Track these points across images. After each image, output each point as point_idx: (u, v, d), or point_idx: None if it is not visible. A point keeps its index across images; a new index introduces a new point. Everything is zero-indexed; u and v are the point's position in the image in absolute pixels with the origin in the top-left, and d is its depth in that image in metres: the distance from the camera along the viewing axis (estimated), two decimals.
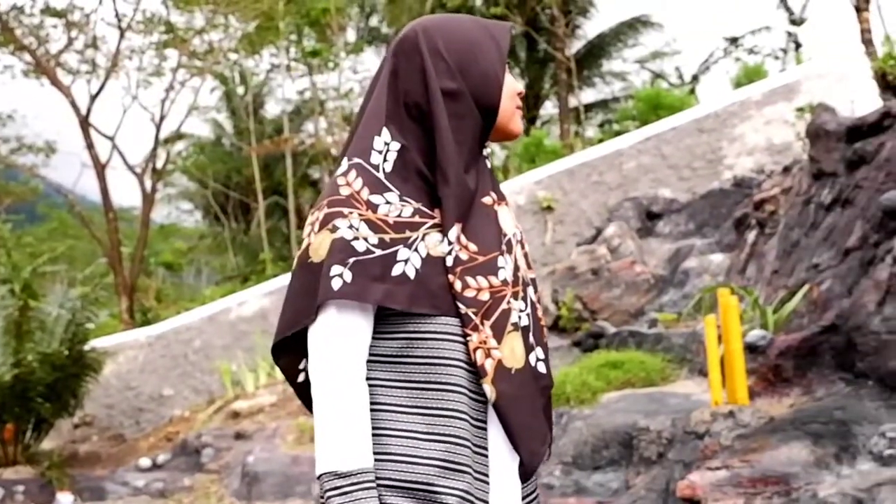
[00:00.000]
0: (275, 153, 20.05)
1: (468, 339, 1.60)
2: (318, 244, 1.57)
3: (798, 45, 20.89)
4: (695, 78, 23.22)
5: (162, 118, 16.39)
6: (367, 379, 1.58)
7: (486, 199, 1.68)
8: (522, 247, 1.75)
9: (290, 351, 1.69)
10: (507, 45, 1.71)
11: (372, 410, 1.58)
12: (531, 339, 1.69)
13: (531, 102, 22.98)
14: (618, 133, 12.32)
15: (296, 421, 7.93)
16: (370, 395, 1.58)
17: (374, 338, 1.60)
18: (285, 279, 11.12)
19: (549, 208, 8.35)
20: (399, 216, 1.59)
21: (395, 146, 1.63)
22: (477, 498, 1.59)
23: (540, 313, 1.77)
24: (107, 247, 15.37)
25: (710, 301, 6.26)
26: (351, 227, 1.56)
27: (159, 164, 17.29)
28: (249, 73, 21.40)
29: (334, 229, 1.56)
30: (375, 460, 1.56)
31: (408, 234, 1.59)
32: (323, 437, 1.54)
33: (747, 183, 8.42)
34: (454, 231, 1.60)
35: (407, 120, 1.65)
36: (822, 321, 5.14)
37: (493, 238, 1.66)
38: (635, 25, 22.20)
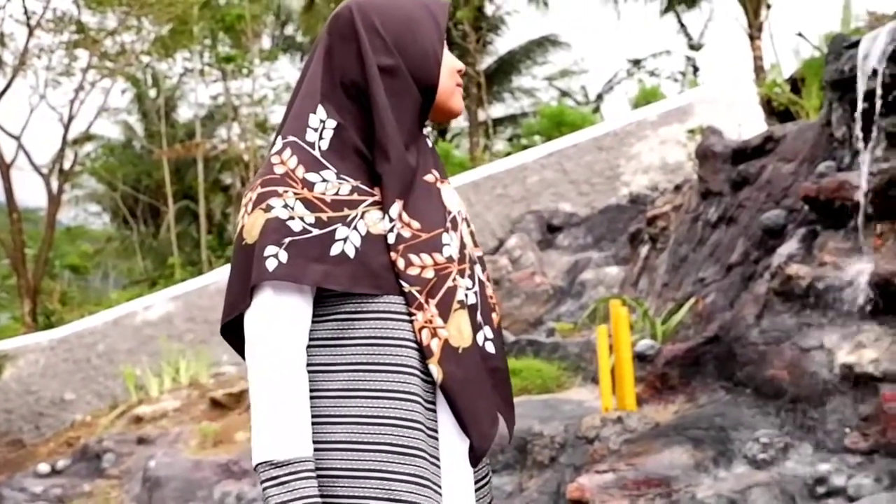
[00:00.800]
0: (186, 157, 19.72)
1: (413, 318, 1.51)
2: (251, 225, 1.48)
3: (696, 69, 21.59)
4: (599, 97, 23.74)
5: (70, 118, 15.87)
6: (307, 365, 1.49)
7: (429, 177, 1.61)
8: (468, 224, 1.68)
9: (240, 336, 1.58)
10: (444, 21, 1.64)
11: (313, 398, 1.48)
12: (479, 317, 1.60)
13: None
14: (525, 147, 12.51)
15: (199, 426, 7.82)
16: (311, 381, 1.48)
17: (312, 321, 1.51)
18: (193, 283, 10.96)
19: None
20: (336, 194, 1.51)
21: (332, 124, 1.55)
22: (433, 483, 1.50)
23: (489, 291, 1.67)
24: (10, 248, 14.82)
25: (605, 312, 6.40)
26: (286, 206, 1.48)
27: (67, 165, 16.76)
28: (162, 76, 20.97)
29: (268, 209, 1.48)
30: (320, 449, 1.47)
31: (346, 212, 1.50)
32: (259, 426, 1.45)
33: (642, 199, 8.58)
34: (395, 208, 1.52)
35: (344, 98, 1.57)
36: (706, 332, 5.24)
37: (436, 215, 1.58)
38: (544, 44, 22.56)
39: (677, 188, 7.66)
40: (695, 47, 21.19)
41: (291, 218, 1.47)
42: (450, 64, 1.63)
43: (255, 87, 19.25)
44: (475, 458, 1.56)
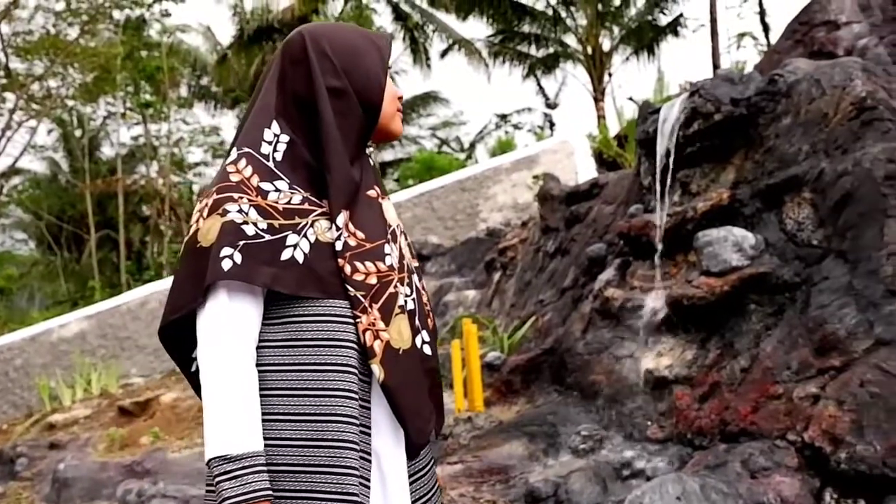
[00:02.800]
0: (108, 191, 18.97)
1: (357, 320, 1.42)
2: (206, 229, 1.37)
3: (552, 125, 22.19)
4: (472, 145, 24.12)
5: None
6: (258, 365, 1.38)
7: (371, 192, 1.53)
8: (405, 237, 1.61)
9: (178, 340, 1.48)
10: (387, 51, 1.56)
11: (263, 396, 1.37)
12: (417, 322, 1.51)
13: None
14: (404, 187, 12.62)
15: (107, 431, 7.50)
16: (260, 380, 1.37)
17: (263, 323, 1.40)
18: (107, 304, 10.54)
19: None
20: (288, 203, 1.41)
21: (285, 138, 1.46)
22: (362, 476, 1.41)
23: (425, 299, 1.59)
24: None
25: (461, 328, 6.50)
26: (241, 211, 1.38)
27: None
28: (87, 118, 20.20)
29: (224, 213, 1.37)
30: (271, 446, 1.36)
31: (297, 220, 1.41)
32: (211, 421, 1.33)
33: (496, 233, 8.74)
34: (342, 217, 1.44)
35: (296, 115, 1.47)
36: (543, 345, 5.41)
37: (379, 227, 1.50)
38: (427, 99, 22.81)
39: (524, 224, 7.84)
40: (551, 106, 21.80)
41: (245, 223, 1.38)
42: (391, 90, 1.56)
43: (172, 129, 18.84)
44: (413, 451, 1.50)
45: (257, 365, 1.38)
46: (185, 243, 1.43)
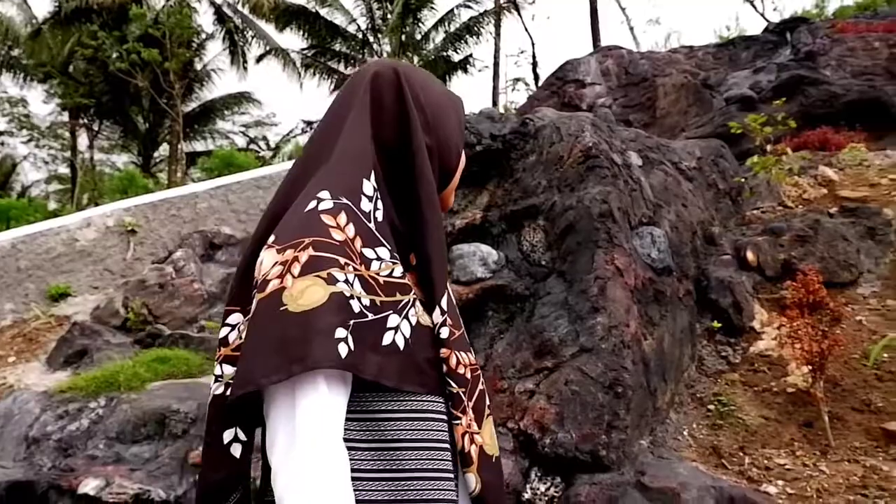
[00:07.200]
0: None
1: (456, 422, 1.07)
2: (300, 291, 0.94)
3: None
4: (277, 147, 23.59)
5: None
6: None
7: None
8: None
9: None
10: (463, 117, 1.23)
11: None
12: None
13: (149, 144, 21.51)
14: (212, 178, 12.02)
15: None
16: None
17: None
18: None
19: (133, 231, 7.81)
20: (390, 276, 1.04)
21: (383, 195, 1.08)
22: None
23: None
24: None
25: None
26: (347, 281, 0.98)
27: None
28: None
29: (332, 281, 0.96)
30: None
31: (398, 297, 1.03)
32: None
33: None
34: (446, 298, 1.08)
35: (387, 168, 1.09)
36: None
37: (455, 310, 1.14)
38: (240, 98, 22.06)
39: None
40: None
41: (352, 297, 0.98)
42: (463, 160, 1.23)
43: None
44: None
45: None
46: (261, 300, 0.97)
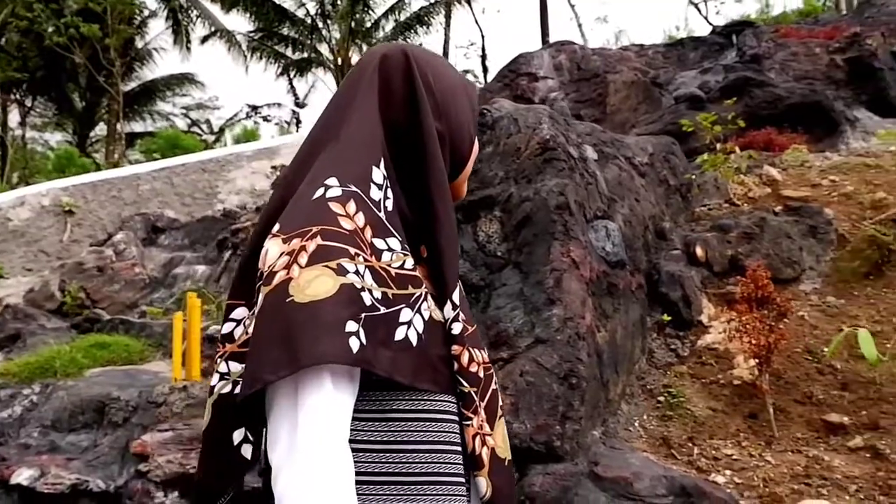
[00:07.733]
0: None
1: (467, 423, 1.02)
2: (307, 281, 0.88)
3: (299, 122, 21.89)
4: (221, 130, 23.04)
5: None
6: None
7: None
8: None
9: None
10: (477, 104, 1.17)
11: None
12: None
13: (85, 123, 20.71)
14: (151, 160, 11.65)
15: None
16: (357, 493, 0.92)
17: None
18: None
19: (71, 212, 7.51)
20: (401, 267, 0.97)
21: (393, 184, 1.02)
22: None
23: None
24: None
25: (187, 301, 6.12)
26: (357, 272, 0.91)
27: None
28: None
29: (342, 271, 0.90)
30: None
31: (410, 290, 0.97)
32: None
33: (232, 215, 8.27)
34: (458, 292, 1.03)
35: (395, 155, 1.03)
36: None
37: (466, 304, 1.09)
38: (182, 80, 21.46)
39: (258, 209, 7.62)
40: (300, 105, 21.47)
41: (363, 289, 0.91)
42: (476, 149, 1.17)
43: None
44: None
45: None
46: (268, 293, 0.90)
